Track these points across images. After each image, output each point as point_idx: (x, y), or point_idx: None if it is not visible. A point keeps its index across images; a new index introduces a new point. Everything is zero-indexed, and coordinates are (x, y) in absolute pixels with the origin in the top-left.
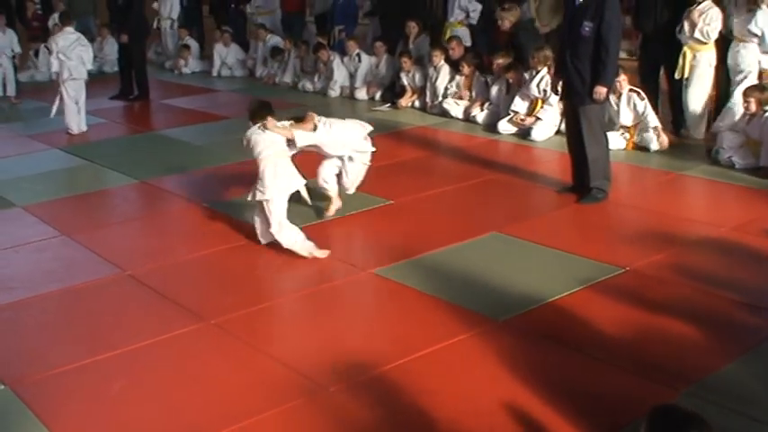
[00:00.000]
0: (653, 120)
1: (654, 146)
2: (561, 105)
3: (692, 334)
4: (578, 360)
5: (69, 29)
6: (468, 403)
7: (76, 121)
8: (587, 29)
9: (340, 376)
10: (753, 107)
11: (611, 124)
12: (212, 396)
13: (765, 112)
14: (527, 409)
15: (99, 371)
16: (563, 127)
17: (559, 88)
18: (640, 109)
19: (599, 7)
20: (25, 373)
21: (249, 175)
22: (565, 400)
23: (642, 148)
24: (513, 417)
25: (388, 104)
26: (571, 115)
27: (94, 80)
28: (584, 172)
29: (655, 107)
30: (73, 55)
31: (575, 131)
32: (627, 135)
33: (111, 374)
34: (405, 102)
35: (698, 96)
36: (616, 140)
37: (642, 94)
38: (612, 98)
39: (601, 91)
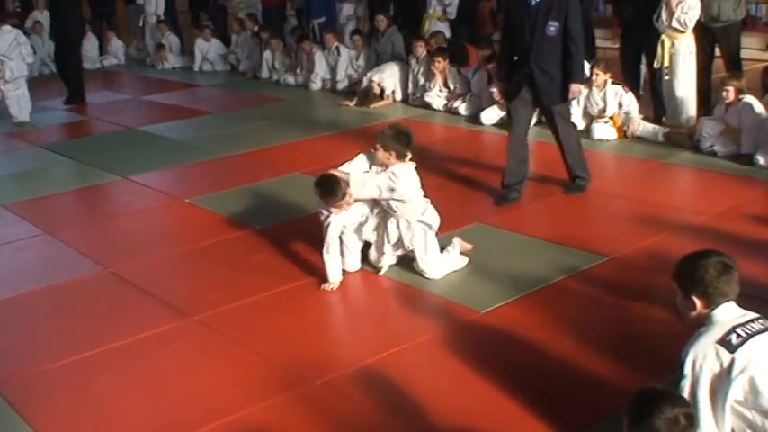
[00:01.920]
0: (635, 113)
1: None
2: (504, 107)
3: (676, 322)
4: (562, 349)
5: (6, 27)
6: (452, 395)
7: (18, 109)
8: (553, 28)
9: (324, 370)
10: (731, 95)
11: (588, 117)
12: (197, 392)
13: (742, 99)
14: (511, 400)
15: (83, 369)
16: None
17: (497, 94)
18: (625, 101)
19: (562, 5)
20: (9, 372)
21: (230, 170)
22: (548, 389)
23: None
24: (496, 407)
25: (355, 101)
26: (526, 121)
27: None
28: (522, 180)
29: (637, 96)
30: (14, 54)
31: (524, 140)
32: (611, 122)
33: (96, 372)
34: (379, 103)
35: (682, 84)
36: (604, 131)
37: (625, 86)
38: (596, 90)
39: (576, 89)
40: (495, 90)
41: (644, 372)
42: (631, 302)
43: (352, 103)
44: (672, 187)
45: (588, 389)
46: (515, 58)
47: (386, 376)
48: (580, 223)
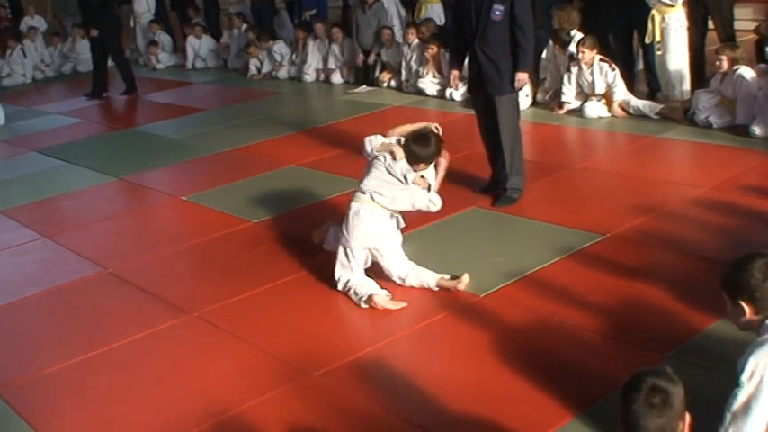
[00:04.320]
0: (620, 92)
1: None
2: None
3: (674, 297)
4: (561, 330)
5: None
6: (453, 379)
7: None
8: (498, 12)
9: (325, 360)
10: (725, 65)
11: (583, 95)
12: (200, 387)
13: (737, 69)
14: (513, 382)
15: (84, 370)
16: (539, 97)
17: (459, 82)
18: (610, 79)
19: None
20: (11, 376)
21: (225, 166)
22: (549, 370)
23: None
24: (499, 390)
25: (364, 86)
26: (483, 107)
27: (68, 80)
28: (500, 166)
29: (631, 72)
30: None
31: (489, 124)
32: (603, 101)
33: (97, 373)
34: (385, 77)
35: (675, 58)
36: (597, 108)
37: (613, 65)
38: (585, 68)
39: (523, 78)
40: (453, 77)
41: (645, 348)
42: (630, 280)
43: (359, 89)
44: (667, 162)
45: (590, 367)
46: (467, 46)
47: (386, 364)
48: (575, 203)
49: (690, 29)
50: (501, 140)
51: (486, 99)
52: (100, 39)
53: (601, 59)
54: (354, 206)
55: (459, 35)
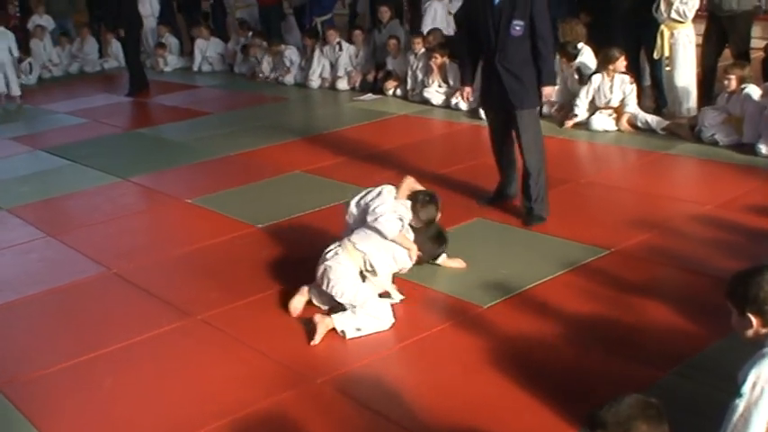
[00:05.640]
0: (632, 106)
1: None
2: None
3: (679, 314)
4: (564, 343)
5: None
6: (456, 390)
7: None
8: (518, 28)
9: (327, 367)
10: (733, 84)
11: (592, 107)
12: (201, 391)
13: (744, 88)
14: (515, 394)
15: (88, 370)
16: (545, 110)
17: (471, 98)
18: (627, 92)
19: (527, 3)
20: (14, 374)
21: (231, 170)
22: (551, 384)
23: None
24: (500, 402)
25: (370, 93)
26: (501, 124)
27: (75, 80)
28: (511, 182)
29: (639, 87)
30: None
31: (507, 140)
32: (614, 115)
33: (100, 373)
34: (390, 85)
35: (682, 74)
36: (604, 121)
37: (631, 78)
38: (606, 80)
39: (549, 92)
40: (465, 92)
41: (649, 364)
42: (634, 295)
43: (365, 96)
44: (673, 178)
45: (591, 382)
46: (480, 60)
47: (389, 373)
48: (580, 217)
49: (702, 45)
50: (525, 159)
51: (506, 114)
52: (118, 36)
53: (622, 72)
54: None
55: (471, 49)
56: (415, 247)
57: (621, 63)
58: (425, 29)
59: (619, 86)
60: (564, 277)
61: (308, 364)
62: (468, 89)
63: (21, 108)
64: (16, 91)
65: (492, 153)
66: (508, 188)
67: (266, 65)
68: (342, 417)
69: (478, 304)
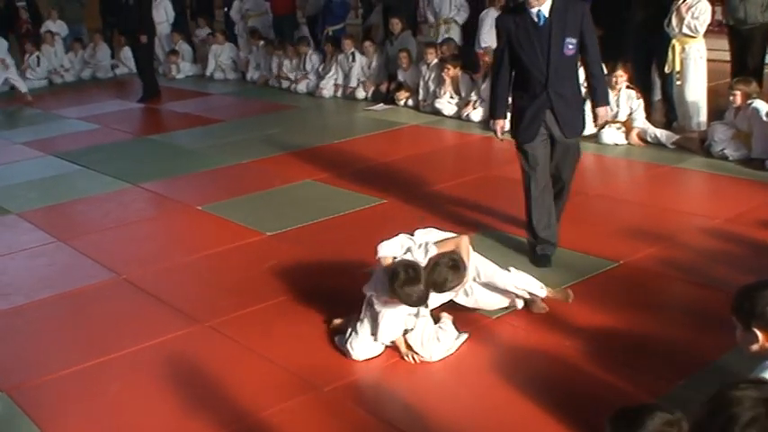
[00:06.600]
0: (640, 120)
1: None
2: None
3: (687, 327)
4: (571, 355)
5: None
6: (463, 400)
7: None
8: (571, 46)
9: (335, 376)
10: (738, 100)
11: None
12: (209, 398)
13: (751, 103)
14: (519, 407)
15: (96, 375)
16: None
17: (500, 131)
18: (634, 107)
19: (577, 18)
20: (22, 379)
21: (241, 178)
22: (558, 395)
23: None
24: (507, 412)
25: (382, 103)
26: (544, 156)
27: (87, 86)
28: (545, 225)
29: (648, 102)
30: None
31: (549, 173)
32: (623, 129)
33: (108, 378)
34: (402, 96)
35: (693, 89)
36: (614, 135)
37: (638, 92)
38: (612, 94)
39: (605, 114)
40: (496, 128)
41: (656, 377)
42: (642, 307)
43: (377, 106)
44: (682, 192)
45: (600, 394)
46: (525, 89)
47: (396, 382)
48: (589, 228)
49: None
50: (562, 191)
51: (552, 144)
52: (131, 41)
53: (627, 86)
54: None
55: (506, 82)
56: None
57: (622, 78)
58: (482, 38)
59: (625, 101)
60: (572, 288)
61: (316, 371)
62: (501, 122)
63: (32, 112)
64: (23, 87)
65: (530, 198)
66: (553, 237)
67: (288, 64)
68: (350, 425)
69: (486, 315)
